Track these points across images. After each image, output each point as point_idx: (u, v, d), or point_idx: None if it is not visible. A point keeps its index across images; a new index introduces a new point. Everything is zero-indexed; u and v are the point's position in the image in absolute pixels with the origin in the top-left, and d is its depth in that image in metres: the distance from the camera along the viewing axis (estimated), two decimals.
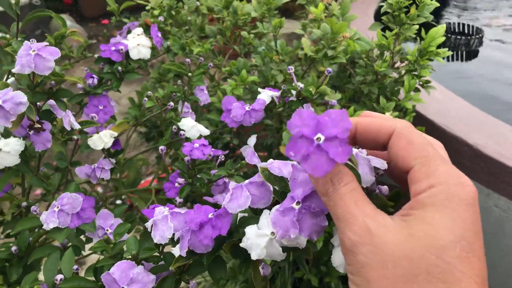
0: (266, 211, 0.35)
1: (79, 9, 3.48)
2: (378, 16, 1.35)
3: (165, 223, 0.41)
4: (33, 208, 0.58)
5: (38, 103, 0.58)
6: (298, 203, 0.32)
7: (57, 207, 0.57)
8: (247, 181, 0.37)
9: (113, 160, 0.68)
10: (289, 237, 0.32)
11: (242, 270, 0.38)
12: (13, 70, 0.52)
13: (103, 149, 0.68)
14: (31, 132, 0.57)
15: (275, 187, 0.36)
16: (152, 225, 0.42)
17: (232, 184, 0.38)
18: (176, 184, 0.60)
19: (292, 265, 1.09)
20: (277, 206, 0.34)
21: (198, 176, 0.60)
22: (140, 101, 0.78)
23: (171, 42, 0.84)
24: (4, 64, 0.61)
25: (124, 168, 0.69)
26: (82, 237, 0.64)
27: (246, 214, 0.40)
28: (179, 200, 0.59)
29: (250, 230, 0.35)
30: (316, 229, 0.32)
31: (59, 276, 0.47)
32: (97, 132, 0.67)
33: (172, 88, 0.70)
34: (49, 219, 0.56)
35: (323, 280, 1.02)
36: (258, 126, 0.86)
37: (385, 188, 0.31)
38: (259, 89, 0.65)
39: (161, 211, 0.42)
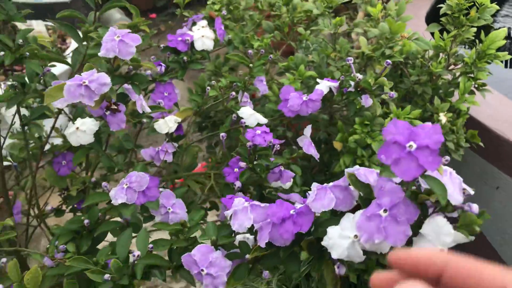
0: (349, 214, 0.37)
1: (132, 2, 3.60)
2: (428, 19, 1.33)
3: (244, 214, 0.44)
4: (104, 184, 0.62)
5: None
6: (385, 211, 0.34)
7: (126, 184, 0.60)
8: (331, 184, 0.39)
9: (175, 144, 0.72)
10: (373, 242, 0.34)
11: (315, 267, 0.41)
12: (99, 54, 0.55)
13: (167, 133, 0.71)
14: (108, 113, 0.60)
15: (360, 193, 0.38)
16: (231, 214, 0.45)
17: (315, 185, 0.40)
18: (236, 170, 0.63)
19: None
20: (361, 211, 0.36)
21: (255, 162, 0.62)
22: (197, 91, 0.80)
23: (233, 36, 0.86)
24: (89, 48, 0.64)
25: (184, 152, 0.73)
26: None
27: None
28: (238, 184, 0.62)
29: (332, 230, 0.37)
30: (401, 237, 0.34)
31: (137, 253, 0.51)
32: (163, 117, 0.70)
33: (233, 78, 0.73)
34: (118, 195, 0.60)
35: (361, 277, 1.04)
36: (308, 121, 0.88)
37: (475, 207, 0.32)
38: (318, 80, 0.67)
39: (240, 202, 0.45)
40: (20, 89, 0.71)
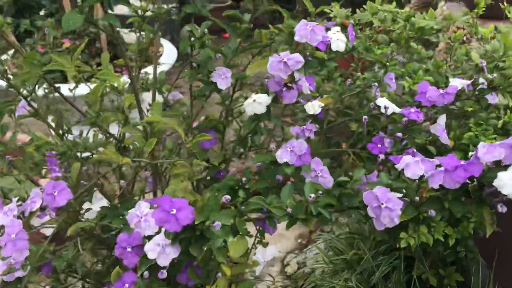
0: None
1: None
2: None
3: (416, 165, 0.57)
4: (271, 146, 0.77)
5: None
6: None
7: (289, 148, 0.75)
8: (498, 142, 0.52)
9: (317, 126, 0.86)
10: None
11: (476, 209, 0.53)
12: (295, 38, 0.71)
13: (311, 115, 0.86)
14: (284, 89, 0.75)
15: None
16: (404, 167, 0.58)
17: (483, 143, 0.53)
18: (379, 145, 0.77)
19: (415, 262, 1.19)
20: None
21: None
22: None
23: (357, 42, 1.01)
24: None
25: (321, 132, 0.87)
26: None
27: None
28: (382, 156, 0.75)
29: (503, 174, 0.50)
30: None
31: (312, 195, 0.65)
32: (310, 101, 0.85)
33: (371, 74, 0.87)
34: (284, 155, 0.75)
35: (441, 283, 1.13)
36: None
37: None
38: (450, 78, 0.80)
39: (409, 157, 0.59)
40: (196, 69, 0.88)
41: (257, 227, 0.78)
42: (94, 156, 0.61)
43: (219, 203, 0.58)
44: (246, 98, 0.97)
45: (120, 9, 3.43)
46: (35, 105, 0.80)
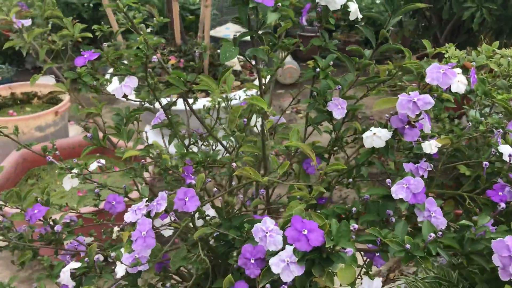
0: None
1: (296, 50, 4.29)
2: None
3: None
4: (388, 180, 0.79)
5: None
6: None
7: (405, 185, 0.76)
8: None
9: (431, 165, 0.87)
10: None
11: None
12: (426, 80, 0.73)
13: (425, 154, 0.86)
14: (407, 127, 0.77)
15: None
16: None
17: None
18: (500, 193, 0.75)
19: None
20: None
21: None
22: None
23: (476, 86, 1.00)
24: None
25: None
26: None
27: None
28: (502, 205, 0.73)
29: None
30: None
31: (432, 234, 0.65)
32: (428, 140, 0.86)
33: (496, 120, 0.86)
34: (399, 192, 0.76)
35: None
36: None
37: None
38: None
39: None
40: (315, 98, 0.93)
41: (365, 258, 0.79)
42: (236, 171, 0.66)
43: (350, 231, 0.60)
44: (355, 129, 1.00)
45: (218, 32, 3.64)
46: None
